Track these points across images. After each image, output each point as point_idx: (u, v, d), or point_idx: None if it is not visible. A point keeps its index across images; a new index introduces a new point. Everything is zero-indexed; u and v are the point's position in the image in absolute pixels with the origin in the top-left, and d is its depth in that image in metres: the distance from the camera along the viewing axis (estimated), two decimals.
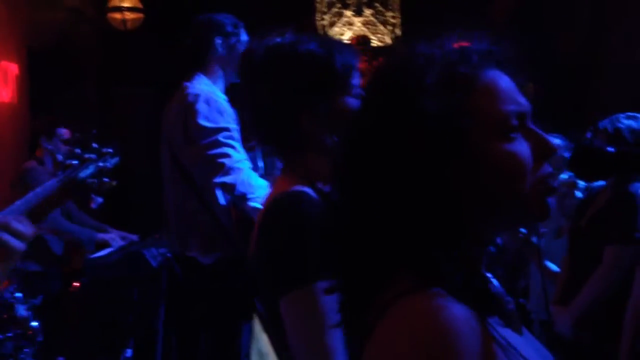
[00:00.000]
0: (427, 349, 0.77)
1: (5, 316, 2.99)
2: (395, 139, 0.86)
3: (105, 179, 1.96)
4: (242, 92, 1.47)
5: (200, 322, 2.78)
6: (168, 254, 3.13)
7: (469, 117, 0.86)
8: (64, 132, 4.30)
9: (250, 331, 1.49)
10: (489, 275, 0.96)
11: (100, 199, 4.60)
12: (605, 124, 2.93)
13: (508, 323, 0.89)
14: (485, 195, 0.87)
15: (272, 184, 1.55)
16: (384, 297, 0.83)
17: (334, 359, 1.23)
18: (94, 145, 1.98)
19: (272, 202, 1.37)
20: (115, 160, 2.03)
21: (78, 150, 1.93)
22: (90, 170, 1.93)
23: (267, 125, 1.42)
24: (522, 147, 0.88)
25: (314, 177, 1.36)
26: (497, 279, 0.97)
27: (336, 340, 1.23)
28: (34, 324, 3.08)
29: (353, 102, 1.38)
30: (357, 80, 1.41)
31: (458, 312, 0.79)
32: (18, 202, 1.68)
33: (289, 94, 1.37)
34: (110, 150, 2.01)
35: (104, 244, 4.27)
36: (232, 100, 2.81)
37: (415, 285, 0.82)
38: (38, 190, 1.79)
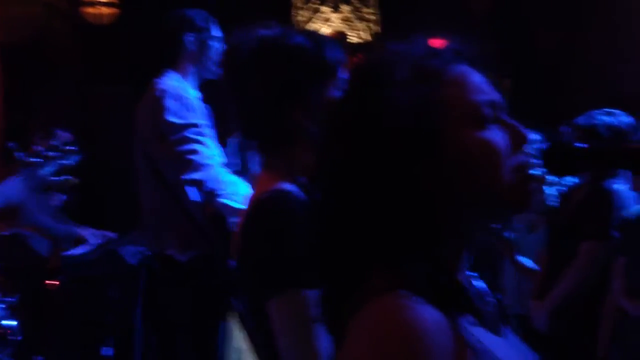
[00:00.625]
0: (392, 350, 0.77)
1: None
2: (364, 136, 0.86)
3: (68, 177, 1.94)
4: (226, 87, 1.45)
5: (178, 320, 2.76)
6: (147, 252, 3.12)
7: (440, 110, 0.86)
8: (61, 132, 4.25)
9: (226, 329, 1.49)
10: (474, 274, 0.96)
11: (63, 197, 4.54)
12: (581, 120, 2.96)
13: (485, 324, 0.89)
14: (461, 190, 0.87)
15: (255, 181, 1.53)
16: (359, 295, 0.84)
17: None
18: (54, 142, 1.96)
19: (257, 203, 1.35)
20: (77, 157, 2.01)
21: (41, 148, 1.91)
22: (52, 168, 1.91)
23: (255, 119, 1.40)
24: (496, 135, 0.88)
25: (300, 172, 1.35)
26: (483, 279, 0.97)
27: (324, 342, 1.23)
28: (12, 322, 3.04)
29: None
30: (344, 74, 1.40)
31: (426, 314, 0.79)
32: None
33: (281, 86, 1.36)
34: (73, 147, 1.99)
35: (81, 240, 4.22)
36: (206, 97, 2.79)
37: (388, 284, 0.82)
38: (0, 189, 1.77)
